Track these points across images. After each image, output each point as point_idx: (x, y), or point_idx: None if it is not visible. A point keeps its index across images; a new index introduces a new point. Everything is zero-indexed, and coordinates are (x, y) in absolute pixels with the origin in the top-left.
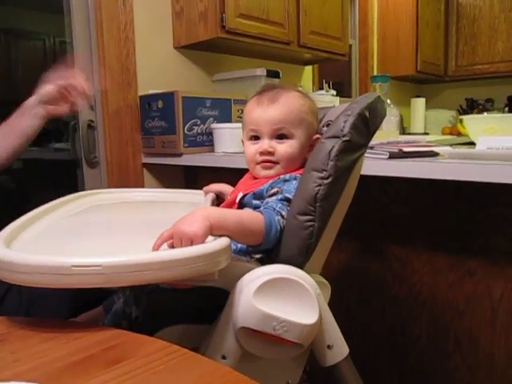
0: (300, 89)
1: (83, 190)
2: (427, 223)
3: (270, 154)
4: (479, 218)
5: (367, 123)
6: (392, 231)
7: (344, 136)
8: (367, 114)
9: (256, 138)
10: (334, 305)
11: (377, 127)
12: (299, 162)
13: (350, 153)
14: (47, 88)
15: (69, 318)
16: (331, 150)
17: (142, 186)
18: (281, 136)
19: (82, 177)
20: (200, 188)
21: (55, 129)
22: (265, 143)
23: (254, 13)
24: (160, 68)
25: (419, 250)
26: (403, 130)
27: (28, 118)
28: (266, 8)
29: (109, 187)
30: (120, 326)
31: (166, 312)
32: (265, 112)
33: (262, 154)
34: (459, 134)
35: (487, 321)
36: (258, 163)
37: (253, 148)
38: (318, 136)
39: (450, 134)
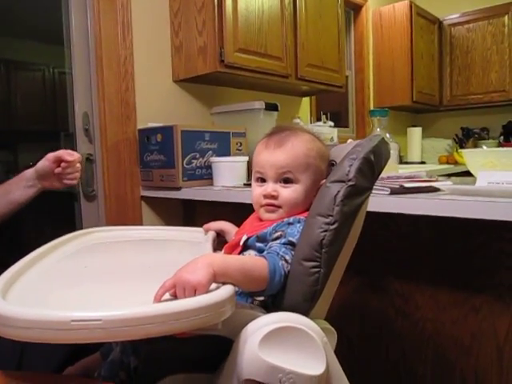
0: (311, 130)
1: (80, 223)
2: (429, 258)
3: (274, 197)
4: (482, 253)
5: (372, 167)
6: (394, 266)
7: (349, 181)
8: (372, 158)
9: (262, 180)
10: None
11: (381, 170)
12: (304, 206)
13: (356, 197)
14: (45, 164)
15: (65, 364)
16: (337, 194)
17: (140, 219)
18: (286, 180)
19: (79, 210)
20: (198, 221)
21: None
22: (269, 187)
23: (253, 47)
24: (159, 101)
25: (422, 286)
26: (400, 159)
27: (23, 188)
28: (264, 42)
29: (106, 220)
30: (118, 377)
31: (166, 361)
32: (271, 156)
33: (265, 197)
34: (456, 163)
35: (493, 359)
36: (262, 206)
37: (258, 190)
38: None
39: (447, 162)
